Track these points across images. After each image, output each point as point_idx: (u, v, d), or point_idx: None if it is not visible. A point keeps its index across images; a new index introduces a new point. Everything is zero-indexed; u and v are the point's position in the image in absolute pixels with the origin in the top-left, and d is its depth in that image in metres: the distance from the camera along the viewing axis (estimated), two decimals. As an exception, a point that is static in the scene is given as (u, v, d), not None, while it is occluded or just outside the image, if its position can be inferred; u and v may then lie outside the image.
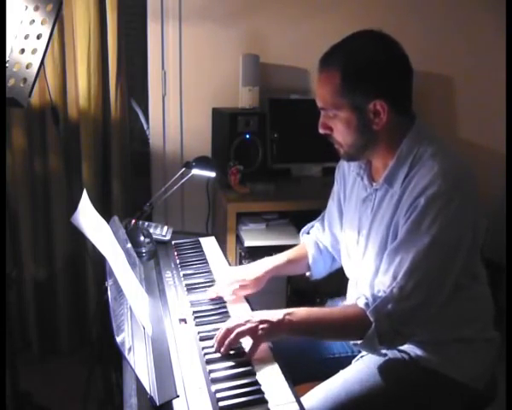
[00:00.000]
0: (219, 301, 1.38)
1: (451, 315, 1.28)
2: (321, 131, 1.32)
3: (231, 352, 1.15)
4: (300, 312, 1.22)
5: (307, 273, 1.62)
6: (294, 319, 1.19)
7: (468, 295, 1.31)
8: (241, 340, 1.17)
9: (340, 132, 1.27)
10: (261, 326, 1.16)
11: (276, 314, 1.19)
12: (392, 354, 1.32)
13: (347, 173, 1.49)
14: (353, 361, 1.38)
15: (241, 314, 1.23)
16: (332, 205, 1.57)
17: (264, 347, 1.18)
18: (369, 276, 1.30)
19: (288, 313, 1.20)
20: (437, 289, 1.19)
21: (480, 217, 1.24)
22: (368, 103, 1.22)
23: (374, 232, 1.32)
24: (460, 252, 1.19)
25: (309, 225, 1.68)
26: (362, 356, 1.35)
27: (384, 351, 1.31)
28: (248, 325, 1.16)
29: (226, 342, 1.14)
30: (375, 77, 1.21)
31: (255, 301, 1.44)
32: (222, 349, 1.14)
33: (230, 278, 1.44)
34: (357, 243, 1.39)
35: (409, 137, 1.27)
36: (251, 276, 1.47)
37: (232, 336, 1.14)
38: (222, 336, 1.15)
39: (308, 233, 1.67)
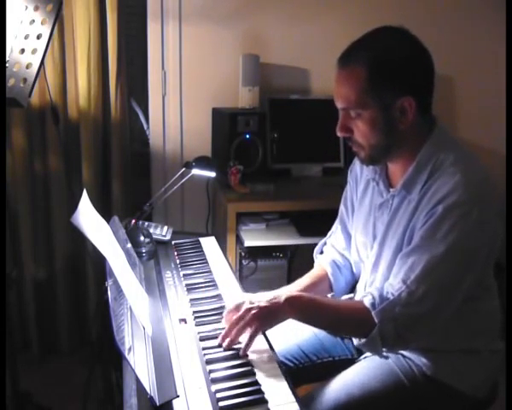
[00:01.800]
0: (219, 301, 1.38)
1: (461, 326, 1.26)
2: (340, 134, 1.25)
3: (232, 352, 1.15)
4: (303, 299, 1.21)
5: (329, 295, 1.53)
6: (296, 306, 1.19)
7: (479, 307, 1.29)
8: (241, 339, 1.17)
9: (363, 133, 1.21)
10: (261, 314, 1.15)
11: (276, 301, 1.18)
12: (395, 359, 1.30)
13: (359, 177, 1.45)
14: (356, 361, 1.37)
15: (240, 300, 1.21)
16: (344, 211, 1.51)
17: (264, 348, 1.18)
18: (382, 282, 1.28)
19: (290, 300, 1.18)
20: (447, 300, 1.17)
21: (498, 229, 1.20)
22: (396, 100, 1.17)
23: (389, 239, 1.29)
24: (474, 264, 1.17)
25: (320, 243, 1.60)
26: (365, 357, 1.34)
27: (388, 355, 1.31)
28: (250, 316, 1.15)
29: (228, 340, 1.14)
30: (403, 72, 1.17)
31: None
32: (224, 345, 1.14)
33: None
34: (371, 249, 1.36)
35: (430, 141, 1.23)
36: None
37: (234, 331, 1.14)
38: (226, 332, 1.16)
39: (321, 253, 1.59)
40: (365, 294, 1.23)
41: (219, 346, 1.15)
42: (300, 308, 1.20)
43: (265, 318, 1.16)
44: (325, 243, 1.60)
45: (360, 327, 1.19)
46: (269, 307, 1.17)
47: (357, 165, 1.47)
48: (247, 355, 1.14)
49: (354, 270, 1.50)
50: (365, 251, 1.40)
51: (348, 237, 1.51)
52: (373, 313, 1.17)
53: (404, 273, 1.17)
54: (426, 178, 1.21)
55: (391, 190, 1.31)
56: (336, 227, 1.56)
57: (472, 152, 1.24)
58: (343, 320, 1.24)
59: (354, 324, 1.22)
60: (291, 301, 1.19)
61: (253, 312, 1.16)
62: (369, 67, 1.16)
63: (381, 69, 1.16)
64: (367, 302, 1.19)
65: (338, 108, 1.24)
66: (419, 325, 1.17)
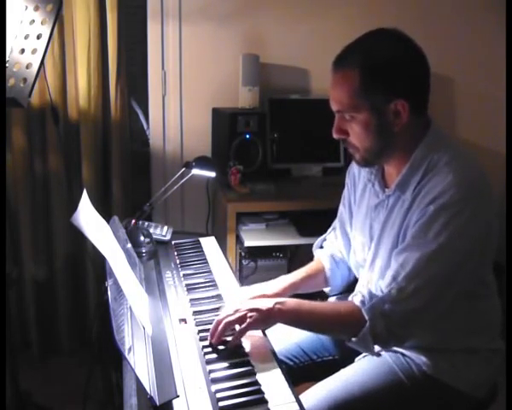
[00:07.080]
0: (219, 301, 1.38)
1: (460, 324, 1.26)
2: (335, 136, 1.25)
3: (232, 352, 1.15)
4: (291, 302, 1.22)
5: (325, 289, 1.56)
6: (285, 309, 1.20)
7: (479, 305, 1.29)
8: (242, 339, 1.18)
9: (358, 136, 1.21)
10: (250, 314, 1.17)
11: (266, 303, 1.20)
12: (395, 358, 1.30)
13: (357, 178, 1.45)
14: (356, 359, 1.37)
15: (232, 303, 1.24)
16: (343, 211, 1.52)
17: (264, 347, 1.19)
18: (377, 281, 1.28)
19: (279, 303, 1.20)
20: (436, 298, 1.16)
21: (494, 228, 1.19)
22: (389, 103, 1.17)
23: (385, 239, 1.29)
24: (466, 264, 1.17)
25: (320, 238, 1.61)
26: (364, 356, 1.34)
27: (387, 354, 1.31)
28: (237, 314, 1.18)
29: (216, 334, 1.16)
30: (395, 75, 1.17)
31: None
32: (213, 341, 1.16)
33: (247, 297, 1.34)
34: (369, 249, 1.36)
35: (424, 142, 1.23)
36: (270, 292, 1.38)
37: (221, 326, 1.16)
38: (213, 328, 1.17)
39: (321, 247, 1.60)
40: (355, 293, 1.23)
41: (210, 342, 1.17)
42: (288, 313, 1.21)
43: (254, 319, 1.17)
44: (325, 239, 1.61)
45: (351, 327, 1.19)
46: (259, 308, 1.18)
47: (355, 166, 1.47)
48: (245, 351, 1.15)
49: (355, 273, 1.50)
50: (363, 252, 1.40)
51: (346, 237, 1.51)
52: (363, 309, 1.17)
53: (394, 270, 1.18)
54: (419, 178, 1.21)
55: (386, 190, 1.31)
56: (335, 226, 1.57)
57: (467, 150, 1.24)
58: (333, 321, 1.23)
59: (344, 324, 1.22)
60: (279, 306, 1.20)
61: (244, 312, 1.18)
62: (362, 71, 1.16)
63: (373, 72, 1.16)
64: (357, 301, 1.20)
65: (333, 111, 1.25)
66: (410, 321, 1.17)
